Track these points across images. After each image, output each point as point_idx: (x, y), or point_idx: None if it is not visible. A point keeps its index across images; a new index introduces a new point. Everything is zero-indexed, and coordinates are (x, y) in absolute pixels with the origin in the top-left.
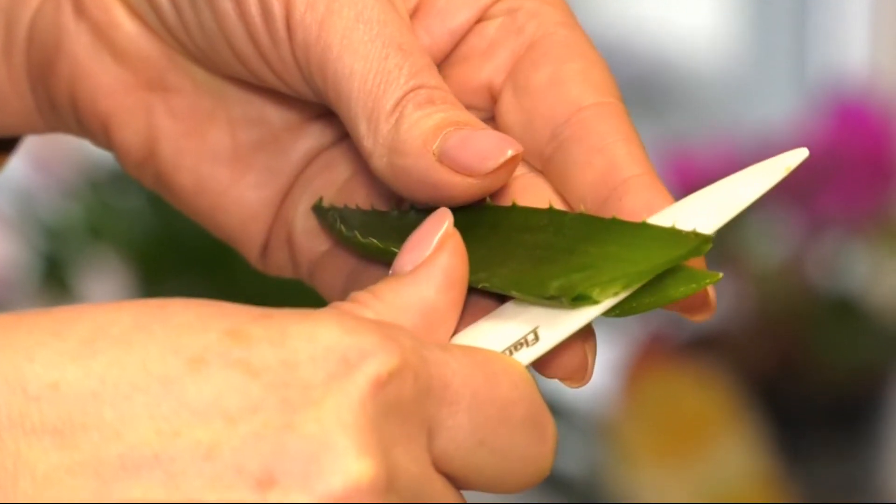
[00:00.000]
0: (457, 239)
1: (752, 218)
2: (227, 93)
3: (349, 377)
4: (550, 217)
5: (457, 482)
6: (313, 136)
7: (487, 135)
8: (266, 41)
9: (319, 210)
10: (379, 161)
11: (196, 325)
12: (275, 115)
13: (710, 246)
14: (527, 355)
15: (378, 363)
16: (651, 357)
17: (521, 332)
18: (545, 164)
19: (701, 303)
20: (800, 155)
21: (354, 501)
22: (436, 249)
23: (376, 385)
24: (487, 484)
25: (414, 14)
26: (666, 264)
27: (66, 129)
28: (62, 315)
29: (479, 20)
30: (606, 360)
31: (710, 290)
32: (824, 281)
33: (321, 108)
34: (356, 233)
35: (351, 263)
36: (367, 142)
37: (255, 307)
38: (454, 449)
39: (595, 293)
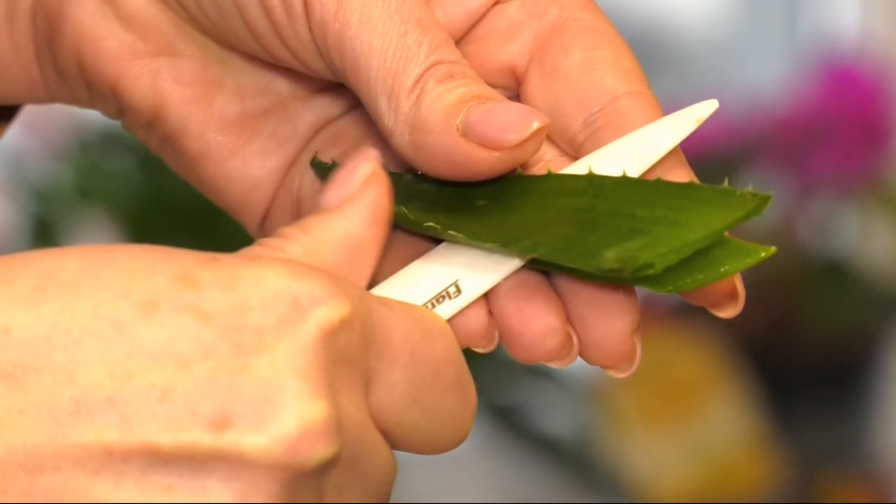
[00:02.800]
0: (382, 176)
1: (743, 181)
2: (236, 62)
3: (301, 322)
4: (589, 181)
5: (386, 439)
6: (322, 107)
7: (512, 107)
8: (282, 18)
9: (319, 166)
10: (400, 139)
11: (145, 270)
12: (283, 85)
13: (767, 206)
14: (450, 308)
15: (329, 310)
16: (642, 320)
17: (442, 284)
18: (577, 150)
19: (729, 296)
20: (710, 107)
21: (308, 442)
22: (362, 185)
23: (328, 331)
24: (413, 444)
25: None
26: (725, 228)
27: (73, 97)
28: (9, 263)
29: (497, 2)
30: None
31: (739, 284)
32: (815, 244)
33: (331, 80)
34: (403, 207)
35: None
36: (388, 120)
37: (202, 252)
38: (389, 405)
39: (658, 263)
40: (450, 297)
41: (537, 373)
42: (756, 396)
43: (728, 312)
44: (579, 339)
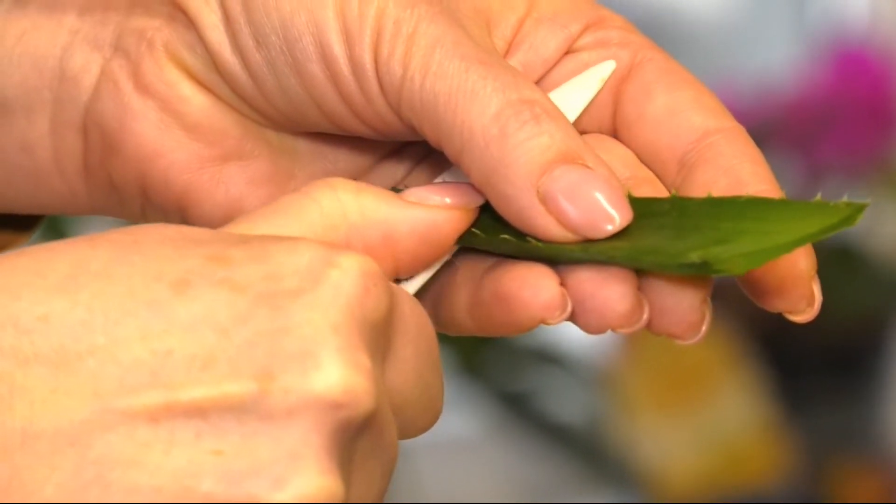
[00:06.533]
0: (467, 216)
1: None
2: (300, 149)
3: (338, 282)
4: (672, 203)
5: None
6: (384, 175)
7: (600, 188)
8: (358, 97)
9: None
10: (476, 176)
11: (173, 254)
12: (347, 162)
13: (861, 215)
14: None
15: (364, 275)
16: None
17: None
18: (676, 191)
19: (807, 301)
20: (609, 66)
21: (352, 394)
22: (446, 206)
23: (363, 293)
24: (406, 424)
25: (508, 50)
26: (817, 234)
27: (122, 210)
28: (38, 254)
29: (568, 52)
30: None
31: (816, 287)
32: None
33: (389, 147)
34: (477, 230)
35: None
36: (465, 156)
37: (231, 234)
38: (401, 381)
39: (742, 263)
40: (404, 281)
41: (547, 359)
42: (766, 382)
43: (804, 316)
44: (649, 307)
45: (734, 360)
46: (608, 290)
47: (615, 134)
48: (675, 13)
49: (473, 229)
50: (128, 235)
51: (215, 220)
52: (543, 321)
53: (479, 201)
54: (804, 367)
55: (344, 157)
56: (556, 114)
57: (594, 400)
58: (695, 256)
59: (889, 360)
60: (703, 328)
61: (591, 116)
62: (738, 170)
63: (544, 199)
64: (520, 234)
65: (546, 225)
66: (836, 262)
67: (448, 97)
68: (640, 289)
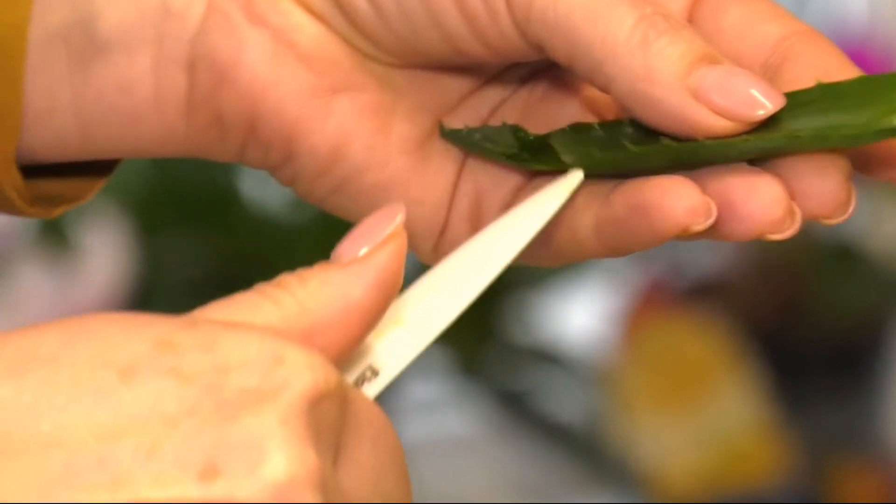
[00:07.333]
0: (401, 240)
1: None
2: (398, 83)
3: (286, 383)
4: (822, 90)
5: None
6: (481, 103)
7: (748, 80)
8: (483, 16)
9: (452, 134)
10: (620, 86)
11: (121, 339)
12: (443, 94)
13: None
14: (369, 392)
15: (315, 375)
16: (651, 304)
17: (357, 370)
18: None
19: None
20: (577, 177)
21: (298, 489)
22: (377, 247)
23: (314, 395)
24: None
25: None
26: None
27: (219, 149)
28: None
29: None
30: (606, 308)
31: None
32: (824, 227)
33: (481, 79)
34: (629, 144)
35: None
36: (606, 67)
37: (178, 316)
38: (354, 486)
39: None
40: (368, 381)
41: (547, 359)
42: (765, 381)
43: None
44: (794, 192)
45: (734, 359)
46: (761, 197)
47: None
48: None
49: (624, 142)
50: (76, 321)
51: (322, 154)
52: (686, 229)
53: (401, 212)
54: (804, 366)
55: (439, 91)
56: (688, 25)
57: (594, 400)
58: (892, 121)
59: (889, 359)
60: (851, 206)
61: None
62: (825, 63)
63: (696, 95)
64: (679, 139)
65: (701, 117)
66: (836, 261)
67: (585, 11)
68: (783, 177)
